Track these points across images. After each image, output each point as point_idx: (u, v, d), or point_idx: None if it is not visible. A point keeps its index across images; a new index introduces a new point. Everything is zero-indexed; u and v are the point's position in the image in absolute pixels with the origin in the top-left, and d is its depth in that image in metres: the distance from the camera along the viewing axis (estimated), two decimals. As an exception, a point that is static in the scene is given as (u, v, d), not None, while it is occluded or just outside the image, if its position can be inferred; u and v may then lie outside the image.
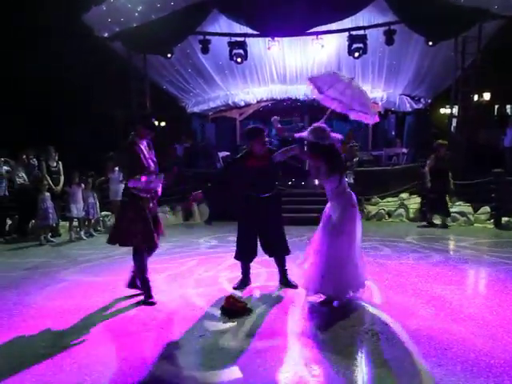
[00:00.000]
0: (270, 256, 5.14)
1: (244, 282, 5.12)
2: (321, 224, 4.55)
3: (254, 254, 5.09)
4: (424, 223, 9.72)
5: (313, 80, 5.04)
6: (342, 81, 4.94)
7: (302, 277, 4.75)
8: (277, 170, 5.02)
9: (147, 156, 4.63)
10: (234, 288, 5.00)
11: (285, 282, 5.09)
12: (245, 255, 5.09)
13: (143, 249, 4.63)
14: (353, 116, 4.86)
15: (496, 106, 18.86)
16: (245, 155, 5.01)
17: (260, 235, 5.04)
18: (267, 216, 4.95)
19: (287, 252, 5.12)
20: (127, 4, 11.99)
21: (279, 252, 5.10)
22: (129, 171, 4.57)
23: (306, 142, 4.45)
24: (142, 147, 4.61)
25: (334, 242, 4.31)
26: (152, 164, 4.66)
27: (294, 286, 4.98)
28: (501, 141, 12.29)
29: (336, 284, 4.32)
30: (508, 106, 19.26)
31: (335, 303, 4.40)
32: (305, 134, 4.46)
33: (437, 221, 9.78)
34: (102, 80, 14.58)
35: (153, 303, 4.53)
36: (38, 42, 14.81)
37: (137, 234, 4.50)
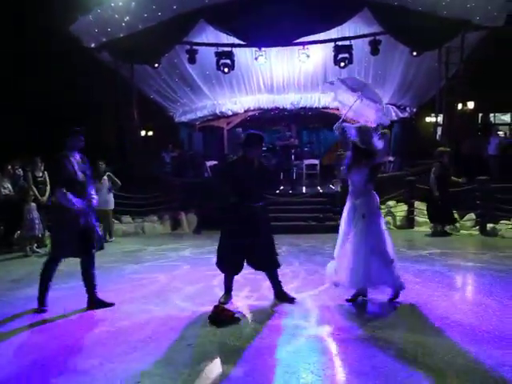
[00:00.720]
0: (257, 269, 4.93)
1: (228, 295, 4.89)
2: (346, 221, 4.72)
3: (240, 267, 4.84)
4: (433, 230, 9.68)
5: (344, 81, 5.31)
6: (367, 84, 5.33)
7: (333, 273, 4.82)
8: (265, 179, 4.96)
9: (76, 168, 4.78)
10: (220, 303, 4.72)
11: (281, 297, 4.86)
12: (231, 268, 4.85)
13: (58, 260, 4.81)
14: (374, 115, 5.15)
15: (480, 115, 19.12)
16: (237, 161, 5.00)
17: (247, 247, 4.73)
18: (258, 227, 4.75)
19: (276, 265, 4.88)
20: (114, 15, 12.00)
21: (268, 265, 4.86)
22: (58, 183, 4.78)
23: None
24: (74, 160, 4.80)
25: (364, 236, 4.53)
26: (80, 176, 4.80)
27: (292, 300, 4.80)
28: (485, 149, 12.47)
29: (366, 276, 4.50)
30: (491, 115, 19.57)
31: (360, 299, 4.71)
32: (351, 126, 4.71)
33: (423, 228, 9.89)
34: (95, 92, 14.61)
35: (44, 310, 4.67)
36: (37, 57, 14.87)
37: (59, 244, 4.78)
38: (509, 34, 12.65)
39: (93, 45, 12.64)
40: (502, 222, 9.44)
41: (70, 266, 5.07)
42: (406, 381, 2.99)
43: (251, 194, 4.76)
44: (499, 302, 4.65)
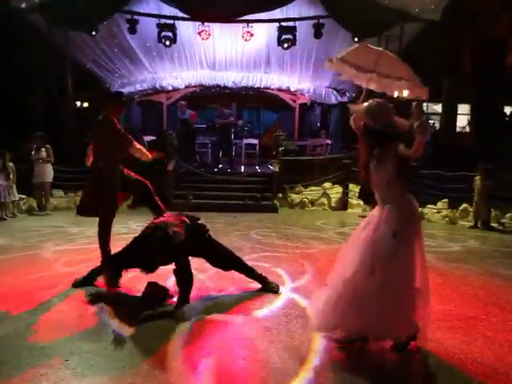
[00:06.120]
0: (225, 270, 4.52)
1: (89, 279, 4.47)
2: (364, 235, 3.24)
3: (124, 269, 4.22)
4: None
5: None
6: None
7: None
8: None
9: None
10: (73, 285, 4.43)
11: (267, 287, 4.48)
12: (119, 266, 4.20)
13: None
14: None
15: (413, 103, 19.90)
16: None
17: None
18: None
19: (241, 265, 4.49)
20: (47, -26, 11.25)
21: (230, 266, 4.47)
22: (118, 145, 4.84)
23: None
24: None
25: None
26: None
27: (276, 290, 4.44)
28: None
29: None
30: (425, 104, 20.41)
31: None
32: (360, 107, 3.41)
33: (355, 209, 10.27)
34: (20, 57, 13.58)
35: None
36: None
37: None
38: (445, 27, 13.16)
39: (23, 5, 11.78)
40: (428, 206, 9.99)
41: None
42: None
43: None
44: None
